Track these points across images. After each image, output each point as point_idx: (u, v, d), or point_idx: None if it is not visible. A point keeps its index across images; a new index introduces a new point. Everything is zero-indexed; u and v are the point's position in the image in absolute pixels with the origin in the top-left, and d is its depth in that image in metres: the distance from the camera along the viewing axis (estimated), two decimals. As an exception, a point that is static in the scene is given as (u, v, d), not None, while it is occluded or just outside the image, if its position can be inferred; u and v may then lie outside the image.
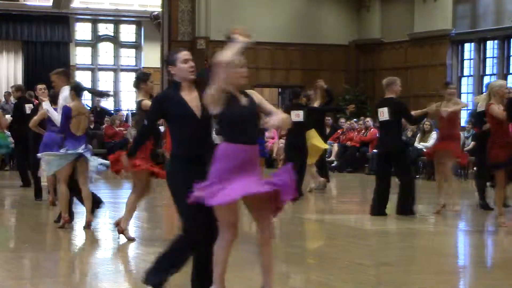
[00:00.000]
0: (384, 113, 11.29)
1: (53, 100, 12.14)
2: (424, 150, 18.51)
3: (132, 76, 29.97)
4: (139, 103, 8.70)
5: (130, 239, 8.80)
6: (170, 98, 5.63)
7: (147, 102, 8.49)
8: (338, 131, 22.11)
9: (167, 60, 5.76)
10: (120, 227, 8.80)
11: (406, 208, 11.33)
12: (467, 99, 21.71)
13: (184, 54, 5.69)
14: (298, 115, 13.40)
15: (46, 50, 27.96)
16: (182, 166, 5.56)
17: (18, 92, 15.17)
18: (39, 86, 12.14)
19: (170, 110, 5.60)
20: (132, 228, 9.38)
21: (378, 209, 11.30)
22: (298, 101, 13.91)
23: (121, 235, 8.84)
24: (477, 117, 12.52)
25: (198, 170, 5.47)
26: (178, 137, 5.63)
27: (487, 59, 22.21)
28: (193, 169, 5.51)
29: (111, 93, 10.07)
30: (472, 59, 22.45)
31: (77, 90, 9.78)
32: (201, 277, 5.65)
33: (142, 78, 8.95)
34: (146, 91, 8.88)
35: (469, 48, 22.61)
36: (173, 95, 5.62)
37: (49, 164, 9.61)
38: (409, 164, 13.01)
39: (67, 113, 9.55)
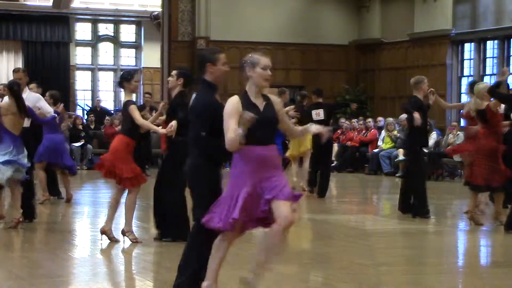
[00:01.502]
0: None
1: (54, 102, 12.14)
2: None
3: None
4: (126, 105, 8.70)
5: (114, 240, 8.83)
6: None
7: (136, 112, 8.61)
8: (338, 131, 22.11)
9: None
10: (102, 229, 8.88)
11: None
12: (467, 99, 21.69)
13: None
14: (318, 114, 13.74)
15: (46, 50, 27.96)
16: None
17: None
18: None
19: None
20: (132, 228, 9.37)
21: None
22: (319, 100, 14.10)
23: (124, 237, 8.86)
24: None
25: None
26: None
27: (487, 59, 22.20)
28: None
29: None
30: (472, 59, 22.44)
31: (11, 89, 9.76)
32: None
33: (126, 77, 8.93)
34: (131, 90, 8.92)
35: (469, 48, 22.60)
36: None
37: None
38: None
39: None
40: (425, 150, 18.39)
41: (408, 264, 8.00)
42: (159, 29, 25.82)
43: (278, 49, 24.72)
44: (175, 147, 8.69)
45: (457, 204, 13.41)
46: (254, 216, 5.46)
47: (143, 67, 29.44)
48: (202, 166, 5.74)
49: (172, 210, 8.73)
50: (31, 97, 10.99)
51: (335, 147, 21.60)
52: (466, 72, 22.69)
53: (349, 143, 21.49)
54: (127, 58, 30.09)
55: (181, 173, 8.55)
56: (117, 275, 7.43)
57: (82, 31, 29.37)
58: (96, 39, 29.56)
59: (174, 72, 8.94)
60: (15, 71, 11.18)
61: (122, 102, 9.03)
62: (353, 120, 22.17)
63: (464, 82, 22.81)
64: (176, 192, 8.70)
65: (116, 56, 29.84)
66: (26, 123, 10.07)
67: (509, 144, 10.52)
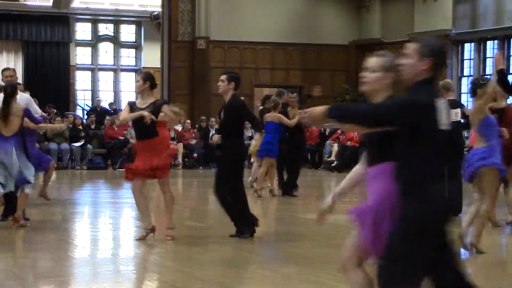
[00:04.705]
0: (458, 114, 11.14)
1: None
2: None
3: (132, 76, 30.01)
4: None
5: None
6: None
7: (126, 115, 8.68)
8: (338, 131, 22.10)
9: None
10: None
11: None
12: (467, 99, 21.72)
13: None
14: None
15: (46, 50, 27.98)
16: None
17: None
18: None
19: None
20: (132, 228, 9.38)
21: None
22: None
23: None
24: None
25: None
26: None
27: (487, 59, 22.22)
28: None
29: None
30: (472, 59, 22.47)
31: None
32: None
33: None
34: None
35: (469, 48, 22.63)
36: None
37: None
38: None
39: None
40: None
41: (408, 264, 7.98)
42: (159, 29, 25.84)
43: (278, 49, 24.74)
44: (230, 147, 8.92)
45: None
46: None
47: (143, 67, 29.44)
48: None
49: (239, 207, 9.03)
50: (23, 98, 10.76)
51: (335, 147, 21.62)
52: (466, 72, 22.71)
53: (349, 143, 21.48)
54: (127, 58, 30.12)
55: (238, 170, 8.97)
56: (117, 275, 7.42)
57: (82, 31, 29.39)
58: (96, 39, 29.57)
59: (224, 77, 8.86)
60: (6, 69, 10.82)
61: (126, 102, 8.90)
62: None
63: (464, 82, 22.83)
64: (238, 191, 9.02)
65: (116, 56, 29.86)
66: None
67: None
